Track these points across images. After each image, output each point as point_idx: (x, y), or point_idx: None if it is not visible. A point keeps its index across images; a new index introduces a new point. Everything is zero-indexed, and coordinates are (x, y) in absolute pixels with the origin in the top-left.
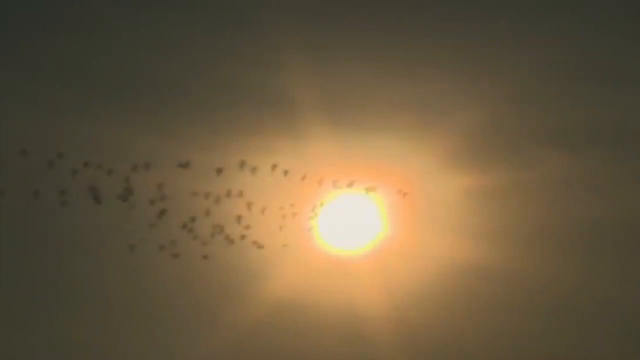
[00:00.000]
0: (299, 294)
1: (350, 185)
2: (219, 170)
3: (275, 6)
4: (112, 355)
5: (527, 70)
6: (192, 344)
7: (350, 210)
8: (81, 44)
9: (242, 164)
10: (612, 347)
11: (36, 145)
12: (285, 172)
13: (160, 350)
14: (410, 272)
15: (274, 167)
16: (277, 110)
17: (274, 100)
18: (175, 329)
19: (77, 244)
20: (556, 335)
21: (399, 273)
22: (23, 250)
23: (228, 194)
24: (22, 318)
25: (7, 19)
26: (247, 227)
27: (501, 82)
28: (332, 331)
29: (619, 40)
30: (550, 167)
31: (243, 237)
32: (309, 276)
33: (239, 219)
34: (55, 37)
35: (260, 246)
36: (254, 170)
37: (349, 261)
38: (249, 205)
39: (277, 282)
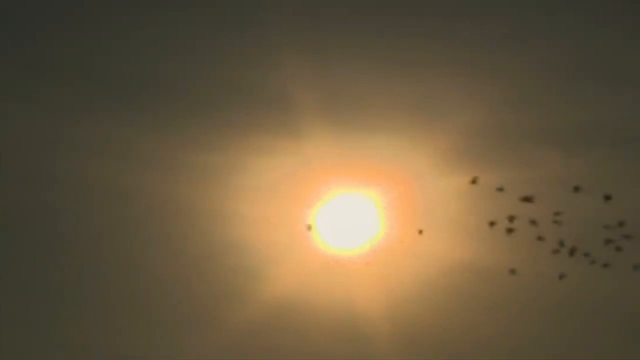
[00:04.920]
0: (298, 294)
1: (349, 185)
2: (219, 171)
3: (275, 6)
4: (112, 355)
5: (527, 70)
6: (192, 344)
7: (350, 210)
8: (81, 44)
9: (242, 164)
10: (612, 347)
11: (36, 145)
12: (285, 172)
13: (160, 350)
14: (410, 272)
15: (274, 167)
16: (277, 110)
17: (274, 100)
18: (175, 329)
19: (77, 244)
20: (556, 335)
21: (398, 273)
22: (23, 250)
23: (228, 194)
24: (22, 318)
25: (7, 19)
26: (247, 227)
27: (501, 82)
28: (332, 331)
29: (618, 40)
30: (550, 167)
31: (243, 237)
32: (309, 276)
33: (238, 219)
34: (55, 37)
35: (259, 246)
36: (254, 170)
37: (348, 261)
38: (249, 206)
39: (276, 282)
